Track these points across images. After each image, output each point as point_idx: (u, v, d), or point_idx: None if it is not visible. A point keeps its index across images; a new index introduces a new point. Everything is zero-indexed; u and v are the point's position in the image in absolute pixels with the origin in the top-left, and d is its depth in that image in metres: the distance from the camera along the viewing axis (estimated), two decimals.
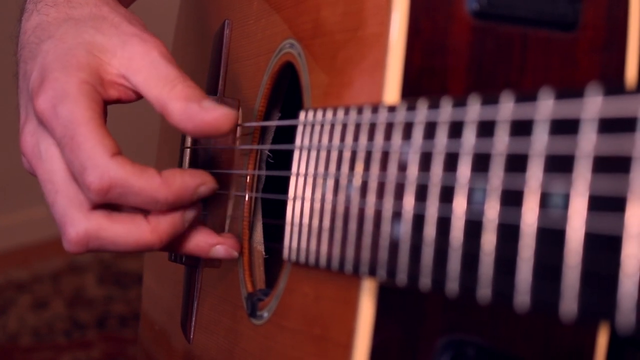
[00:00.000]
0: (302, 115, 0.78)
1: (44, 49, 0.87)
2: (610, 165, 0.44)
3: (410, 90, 0.67)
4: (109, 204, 0.83)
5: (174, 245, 0.90)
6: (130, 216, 0.84)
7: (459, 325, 0.67)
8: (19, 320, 2.51)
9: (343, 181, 0.69)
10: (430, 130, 0.59)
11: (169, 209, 0.84)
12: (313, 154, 0.75)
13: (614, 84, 0.44)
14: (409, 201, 0.60)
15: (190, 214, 0.87)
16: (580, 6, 0.69)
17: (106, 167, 0.80)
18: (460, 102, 0.57)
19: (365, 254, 0.65)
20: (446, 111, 0.58)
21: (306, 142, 0.76)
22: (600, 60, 0.69)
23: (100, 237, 0.83)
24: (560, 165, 0.47)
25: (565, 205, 0.46)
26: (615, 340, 0.70)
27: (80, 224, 0.82)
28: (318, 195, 0.73)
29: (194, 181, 0.85)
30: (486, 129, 0.53)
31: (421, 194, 0.59)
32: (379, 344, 0.67)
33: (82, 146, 0.80)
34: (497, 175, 0.52)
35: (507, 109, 0.52)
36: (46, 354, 2.35)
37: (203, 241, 0.91)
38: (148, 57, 0.86)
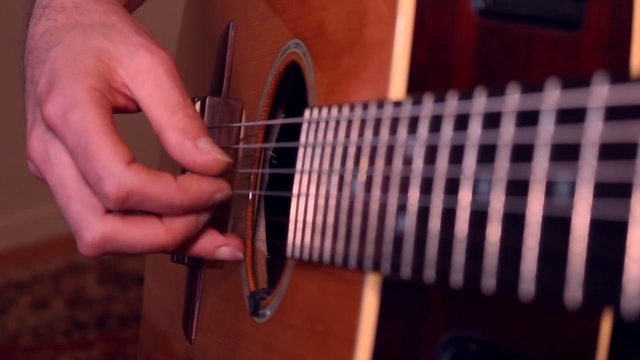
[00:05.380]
0: (307, 112, 0.79)
1: (52, 54, 0.87)
2: (616, 152, 0.44)
3: (416, 88, 0.68)
4: None
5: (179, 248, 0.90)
6: (145, 218, 0.84)
7: (461, 321, 0.67)
8: (19, 320, 2.51)
9: (348, 177, 0.69)
10: (435, 123, 0.60)
11: (185, 213, 0.85)
12: (318, 151, 0.75)
13: (620, 73, 0.45)
14: (414, 194, 0.60)
15: (204, 216, 0.87)
16: (585, 5, 0.69)
17: (123, 176, 0.80)
18: (466, 95, 0.57)
19: (370, 249, 0.65)
20: (452, 104, 0.58)
21: (311, 139, 0.77)
22: (604, 60, 0.70)
23: (117, 240, 0.83)
24: (566, 153, 0.47)
25: (571, 193, 0.46)
26: (618, 336, 0.70)
27: (96, 228, 0.83)
28: (322, 192, 0.73)
29: (210, 188, 0.85)
30: (492, 120, 0.54)
31: (426, 186, 0.59)
32: (382, 339, 0.67)
33: (96, 155, 0.81)
34: (502, 166, 0.52)
35: (513, 100, 0.52)
36: (46, 354, 2.35)
37: (208, 243, 0.91)
38: (153, 72, 0.86)
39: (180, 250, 0.90)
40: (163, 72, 0.86)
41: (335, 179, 0.71)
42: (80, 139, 0.81)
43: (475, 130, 0.55)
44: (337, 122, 0.72)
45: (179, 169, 1.00)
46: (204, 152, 0.84)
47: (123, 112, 0.88)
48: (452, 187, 0.56)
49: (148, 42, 0.88)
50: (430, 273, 0.58)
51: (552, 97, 0.49)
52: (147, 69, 0.86)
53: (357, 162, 0.68)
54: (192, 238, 0.89)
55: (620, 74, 0.45)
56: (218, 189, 0.86)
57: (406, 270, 0.61)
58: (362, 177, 0.67)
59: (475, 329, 0.67)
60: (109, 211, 0.83)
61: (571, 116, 0.47)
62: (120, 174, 0.80)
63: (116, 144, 0.81)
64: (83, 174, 0.83)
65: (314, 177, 0.75)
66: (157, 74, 0.86)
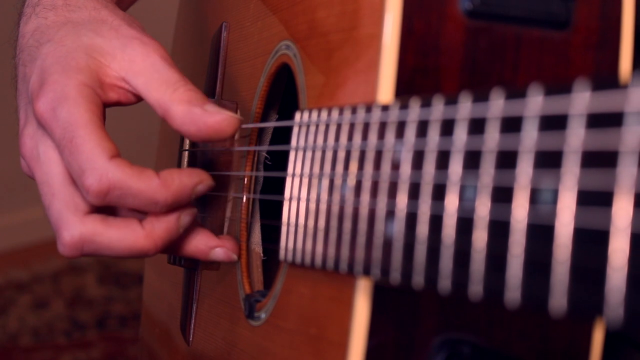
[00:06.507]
0: (297, 116, 0.78)
1: (43, 52, 0.87)
2: (598, 160, 0.44)
3: (404, 90, 0.67)
4: (105, 207, 0.84)
5: (173, 248, 0.90)
6: (125, 221, 0.84)
7: (454, 324, 0.67)
8: (19, 320, 2.52)
9: (337, 181, 0.69)
10: (422, 128, 0.59)
11: (168, 209, 0.84)
12: (308, 154, 0.75)
13: (601, 79, 0.45)
14: (402, 200, 0.60)
15: (185, 219, 0.86)
16: (573, 5, 0.69)
17: (105, 170, 0.80)
18: (451, 100, 0.57)
19: (360, 253, 0.65)
20: (438, 109, 0.58)
21: (302, 142, 0.77)
22: (593, 59, 0.69)
23: (95, 241, 0.83)
24: (549, 161, 0.47)
25: (554, 201, 0.46)
26: (611, 339, 0.70)
27: (75, 228, 0.83)
28: (313, 196, 0.73)
29: (191, 180, 0.85)
30: (477, 126, 0.54)
31: (414, 192, 0.59)
32: (375, 344, 0.67)
33: (80, 148, 0.80)
34: (487, 172, 0.52)
35: (497, 105, 0.52)
36: (46, 354, 2.36)
37: (202, 244, 0.91)
38: (149, 59, 0.86)
39: (174, 250, 0.90)
40: (158, 57, 0.86)
41: (325, 183, 0.71)
42: (66, 132, 0.81)
43: (460, 135, 0.55)
44: (327, 126, 0.72)
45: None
46: (215, 113, 0.83)
47: (116, 105, 0.88)
48: (439, 193, 0.56)
49: (139, 33, 0.88)
50: (419, 279, 0.58)
51: (535, 103, 0.49)
52: (141, 57, 0.86)
53: (346, 166, 0.68)
54: (184, 239, 0.89)
55: (601, 80, 0.45)
56: (199, 181, 0.85)
57: (395, 276, 0.60)
58: (351, 182, 0.67)
59: (468, 331, 0.67)
60: (90, 212, 0.83)
61: (554, 123, 0.47)
62: (102, 167, 0.80)
63: (101, 138, 0.81)
64: (68, 170, 0.83)
65: (305, 180, 0.75)
66: (153, 60, 0.86)
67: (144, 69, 0.86)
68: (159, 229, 0.84)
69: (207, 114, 0.83)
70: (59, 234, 0.83)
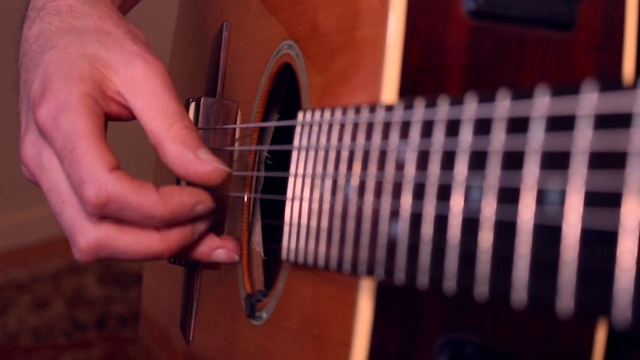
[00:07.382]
0: (300, 115, 0.78)
1: (46, 58, 0.87)
2: (606, 161, 0.44)
3: (408, 90, 0.67)
4: None
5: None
6: (140, 225, 0.84)
7: (457, 324, 0.67)
8: (19, 320, 2.52)
9: (341, 181, 0.69)
10: (427, 128, 0.59)
11: (165, 225, 0.84)
12: (311, 154, 0.75)
13: (609, 80, 0.45)
14: (406, 200, 0.60)
15: (201, 226, 0.87)
16: (577, 5, 0.69)
17: (104, 182, 0.80)
18: (457, 100, 0.57)
19: (363, 253, 0.65)
20: (443, 109, 0.58)
21: (304, 142, 0.76)
22: (597, 59, 0.69)
23: (110, 246, 0.83)
24: (556, 161, 0.47)
25: (562, 202, 0.46)
26: (613, 339, 0.70)
27: (90, 234, 0.83)
28: (316, 196, 0.73)
29: (191, 200, 0.85)
30: (483, 126, 0.54)
31: (419, 192, 0.59)
32: (378, 343, 0.67)
33: (81, 159, 0.80)
34: (493, 172, 0.52)
35: (503, 106, 0.52)
36: (46, 354, 2.35)
37: (204, 245, 0.91)
38: (150, 82, 0.86)
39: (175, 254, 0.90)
40: (159, 81, 0.86)
41: (328, 183, 0.71)
42: (67, 142, 0.81)
43: (466, 136, 0.55)
44: (330, 126, 0.72)
45: (174, 180, 1.00)
46: (205, 162, 0.84)
47: (116, 120, 0.88)
48: (444, 193, 0.56)
49: (143, 50, 0.88)
50: (423, 279, 0.58)
51: (542, 104, 0.49)
52: (143, 78, 0.86)
53: (350, 166, 0.68)
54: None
55: (609, 81, 0.45)
56: (199, 201, 0.85)
57: (400, 276, 0.60)
58: (355, 182, 0.67)
59: (472, 331, 0.67)
60: (104, 217, 0.83)
61: (561, 124, 0.47)
62: (101, 179, 0.80)
63: (102, 150, 0.81)
64: (68, 179, 0.83)
65: (308, 180, 0.75)
66: (154, 84, 0.86)
67: (144, 91, 0.86)
68: (174, 233, 0.85)
69: (199, 163, 0.84)
70: (74, 240, 0.83)
